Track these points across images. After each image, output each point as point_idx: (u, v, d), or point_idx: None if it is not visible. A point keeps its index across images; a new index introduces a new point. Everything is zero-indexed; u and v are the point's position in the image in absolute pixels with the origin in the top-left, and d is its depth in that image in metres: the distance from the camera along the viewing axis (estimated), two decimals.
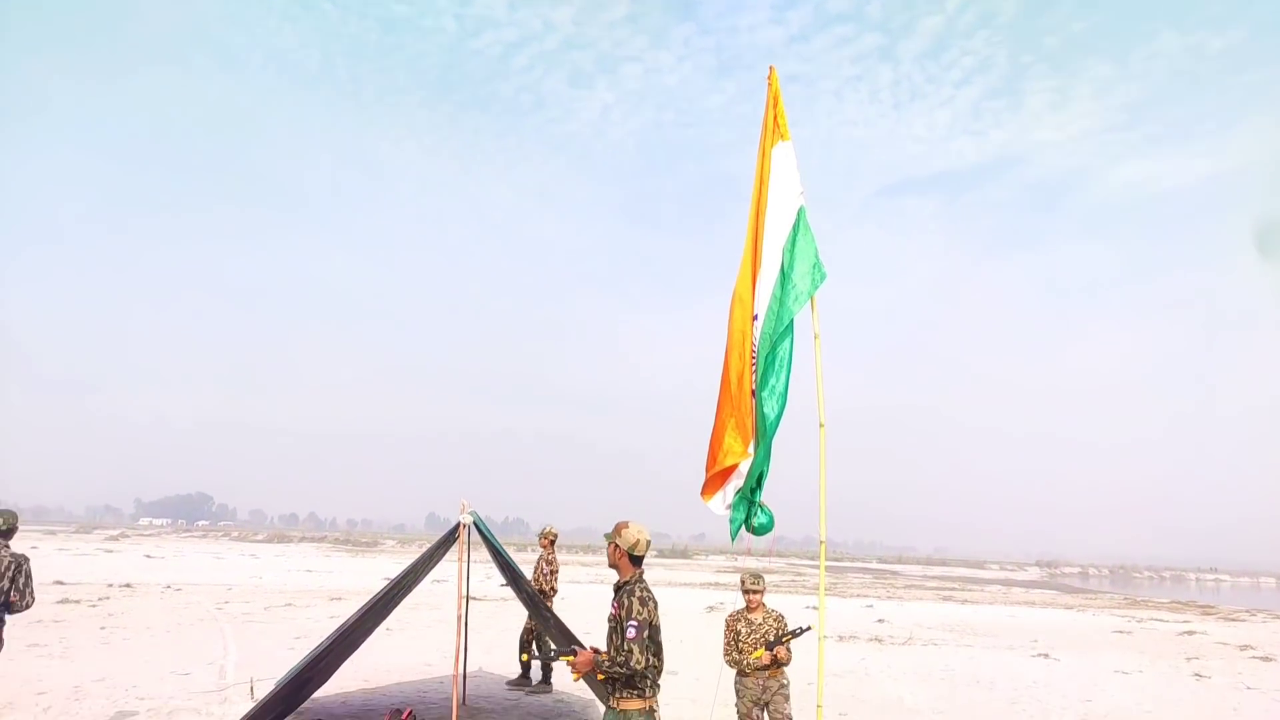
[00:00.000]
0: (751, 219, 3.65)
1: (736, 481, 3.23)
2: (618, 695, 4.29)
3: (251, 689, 9.14)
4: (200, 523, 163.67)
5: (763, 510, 3.15)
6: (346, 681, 10.09)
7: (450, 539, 6.68)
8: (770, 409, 3.12)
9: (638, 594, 4.34)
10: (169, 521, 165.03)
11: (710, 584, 36.06)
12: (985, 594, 38.94)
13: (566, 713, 9.19)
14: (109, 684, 9.41)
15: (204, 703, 8.72)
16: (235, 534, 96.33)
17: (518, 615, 18.22)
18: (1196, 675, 13.90)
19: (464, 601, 6.80)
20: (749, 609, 5.93)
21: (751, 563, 72.13)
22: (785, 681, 6.09)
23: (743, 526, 3.18)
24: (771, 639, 5.89)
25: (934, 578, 58.96)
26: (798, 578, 46.78)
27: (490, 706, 9.17)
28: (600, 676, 4.30)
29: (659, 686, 4.41)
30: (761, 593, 5.87)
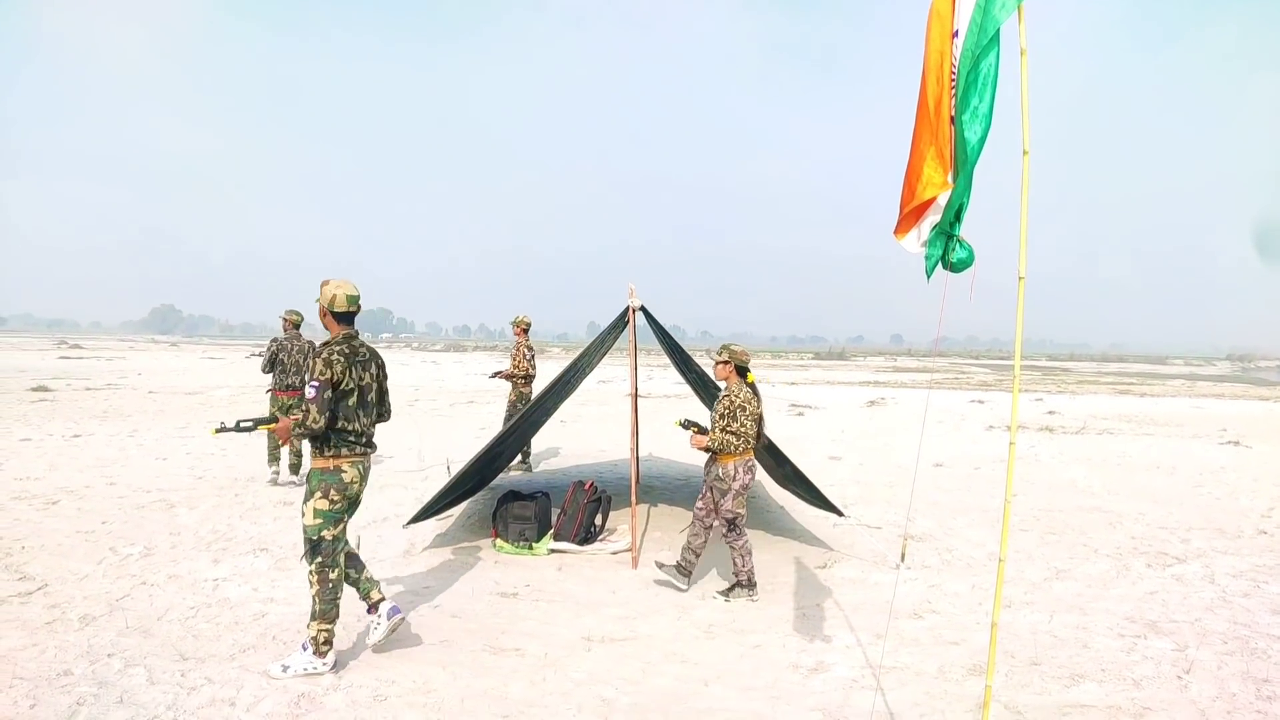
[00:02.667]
0: None
1: (934, 216, 3.01)
2: (314, 454, 4.33)
3: (448, 467, 10.10)
4: (383, 335, 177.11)
5: (961, 245, 2.91)
6: None
7: (621, 323, 6.87)
8: (972, 133, 2.84)
9: (324, 355, 4.24)
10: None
11: (870, 382, 36.06)
12: (1167, 387, 36.92)
13: None
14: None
15: (408, 480, 9.74)
16: (415, 344, 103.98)
17: (680, 410, 18.94)
18: None
19: (636, 384, 7.06)
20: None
21: (911, 363, 71.18)
22: (720, 473, 5.60)
23: (939, 264, 2.98)
24: (717, 415, 5.63)
25: (1109, 373, 56.22)
26: (960, 375, 45.93)
27: (661, 485, 9.75)
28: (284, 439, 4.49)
29: (362, 447, 4.37)
30: (721, 364, 5.72)
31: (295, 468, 9.39)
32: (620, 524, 7.56)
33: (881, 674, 4.44)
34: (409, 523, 6.93)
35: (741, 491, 5.62)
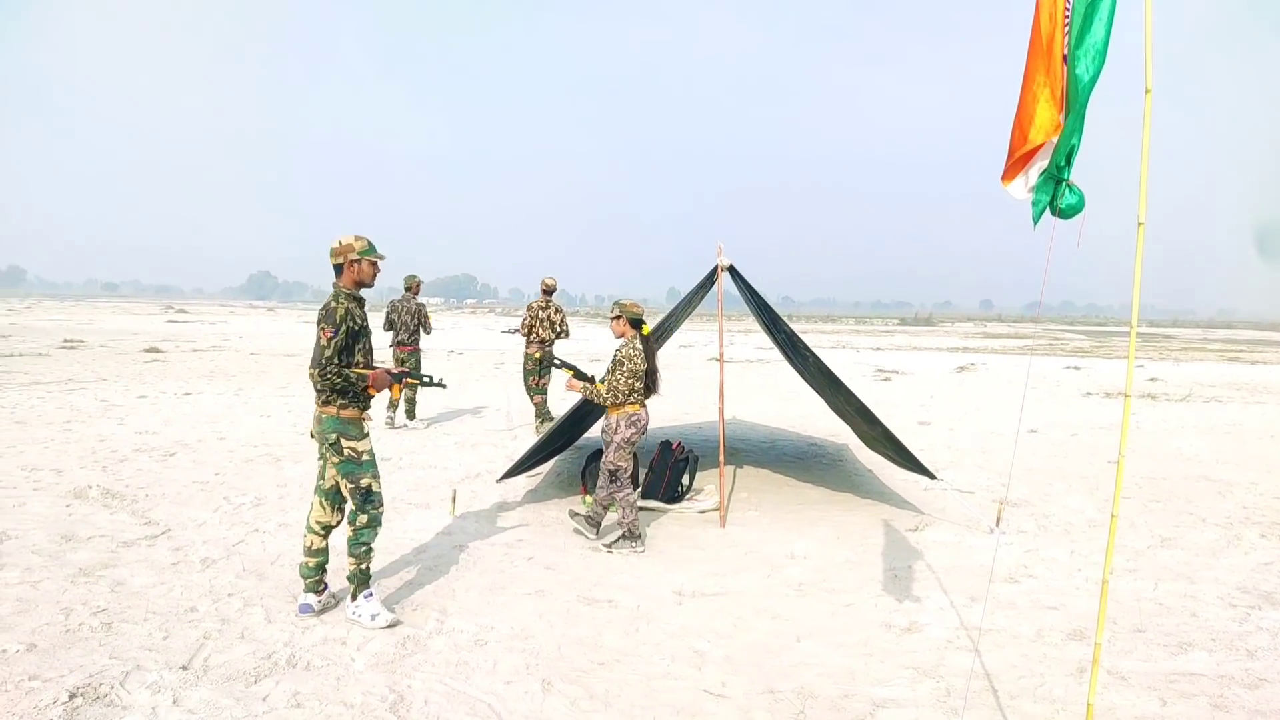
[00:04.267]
0: None
1: (1042, 161, 2.88)
2: None
3: (536, 427, 10.31)
4: (468, 301, 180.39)
5: (1071, 190, 2.78)
6: None
7: (709, 282, 6.85)
8: (1084, 69, 2.70)
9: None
10: (442, 300, 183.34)
11: (959, 348, 35.12)
12: None
13: (820, 454, 9.58)
14: (422, 422, 10.97)
15: (498, 439, 9.98)
16: (499, 309, 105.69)
17: (762, 374, 18.84)
18: None
19: (723, 345, 7.06)
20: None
21: (1001, 329, 68.89)
22: (604, 424, 5.91)
23: (1047, 209, 2.85)
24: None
25: (1216, 340, 53.26)
26: (1054, 342, 44.29)
27: (746, 447, 9.75)
28: None
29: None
30: (615, 319, 5.85)
31: (410, 413, 10.66)
32: (707, 484, 7.60)
33: (978, 636, 4.38)
34: (501, 478, 7.11)
35: (623, 445, 5.77)
